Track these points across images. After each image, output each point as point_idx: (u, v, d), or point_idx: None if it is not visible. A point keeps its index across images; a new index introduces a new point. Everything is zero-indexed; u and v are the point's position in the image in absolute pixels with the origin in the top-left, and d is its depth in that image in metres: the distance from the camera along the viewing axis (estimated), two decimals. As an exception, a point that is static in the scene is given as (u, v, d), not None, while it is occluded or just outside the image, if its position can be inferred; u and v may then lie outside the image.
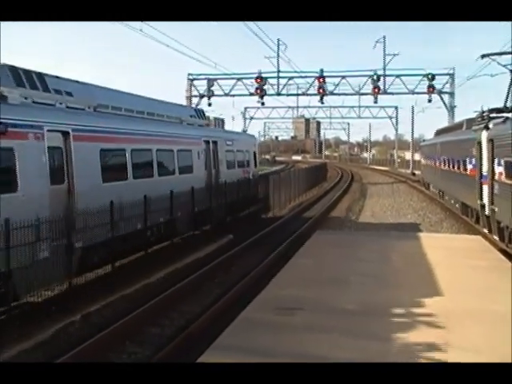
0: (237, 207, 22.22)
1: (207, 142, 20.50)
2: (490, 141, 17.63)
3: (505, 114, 18.58)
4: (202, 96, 48.10)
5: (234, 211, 21.97)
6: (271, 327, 7.44)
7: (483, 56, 21.67)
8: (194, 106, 49.42)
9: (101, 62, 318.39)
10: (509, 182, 15.14)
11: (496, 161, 16.83)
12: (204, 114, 23.74)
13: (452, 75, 46.65)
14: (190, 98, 48.74)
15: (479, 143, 19.30)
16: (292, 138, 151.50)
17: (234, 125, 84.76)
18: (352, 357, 6.21)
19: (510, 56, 19.95)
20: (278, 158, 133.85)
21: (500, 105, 20.28)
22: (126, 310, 10.68)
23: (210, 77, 47.22)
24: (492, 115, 19.63)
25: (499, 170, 16.37)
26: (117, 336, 9.42)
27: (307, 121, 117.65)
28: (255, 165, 26.91)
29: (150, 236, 15.26)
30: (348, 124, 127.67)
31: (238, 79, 47.14)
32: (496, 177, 16.80)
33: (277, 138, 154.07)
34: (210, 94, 47.41)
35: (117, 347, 9.21)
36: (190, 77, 47.85)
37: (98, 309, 11.05)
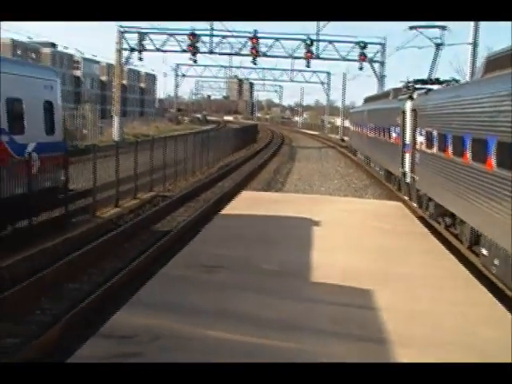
0: None
1: None
2: (413, 111, 18.16)
3: (428, 86, 19.17)
4: (132, 49, 46.91)
5: None
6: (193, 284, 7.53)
7: (411, 28, 22.13)
8: (124, 60, 48.31)
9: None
10: (428, 151, 15.71)
11: (418, 130, 17.39)
12: None
13: (383, 45, 47.50)
14: (120, 51, 47.44)
15: (403, 112, 19.84)
16: (224, 97, 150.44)
17: (166, 82, 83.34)
18: (270, 315, 6.46)
19: (436, 29, 20.43)
20: (209, 118, 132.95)
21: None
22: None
23: (142, 30, 46.08)
24: (417, 86, 20.21)
25: (420, 139, 16.93)
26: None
27: (240, 81, 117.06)
28: (51, 128, 14.05)
29: None
30: (280, 87, 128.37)
31: (171, 34, 46.20)
32: (417, 146, 17.39)
33: (209, 96, 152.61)
34: (141, 49, 46.32)
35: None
36: (121, 29, 46.45)
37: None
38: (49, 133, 13.95)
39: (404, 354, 5.47)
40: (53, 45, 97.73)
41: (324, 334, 6.04)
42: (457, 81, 19.56)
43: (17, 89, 12.63)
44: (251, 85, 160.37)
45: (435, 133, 14.84)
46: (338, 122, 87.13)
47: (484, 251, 10.99)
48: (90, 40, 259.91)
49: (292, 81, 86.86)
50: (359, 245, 10.17)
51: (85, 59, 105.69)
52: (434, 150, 14.87)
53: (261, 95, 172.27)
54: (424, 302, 7.15)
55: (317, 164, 35.53)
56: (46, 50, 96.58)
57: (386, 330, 6.10)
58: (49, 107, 14.05)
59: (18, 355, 6.98)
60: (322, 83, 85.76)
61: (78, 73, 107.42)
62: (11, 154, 12.12)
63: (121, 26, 46.46)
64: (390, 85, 56.42)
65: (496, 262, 10.19)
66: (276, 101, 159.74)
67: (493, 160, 9.98)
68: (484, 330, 6.18)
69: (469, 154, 11.55)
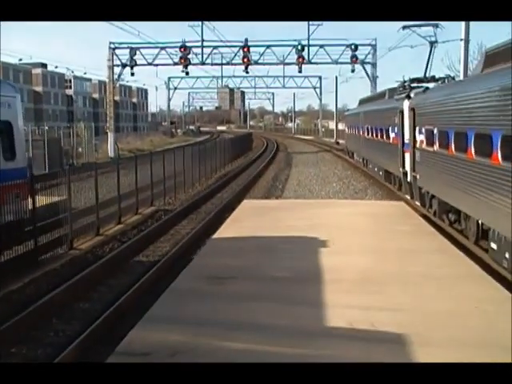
0: None
1: None
2: (412, 110, 18.09)
3: (425, 84, 19.12)
4: (124, 65, 46.92)
5: None
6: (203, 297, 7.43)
7: (404, 27, 22.13)
8: (116, 76, 48.31)
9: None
10: (430, 149, 15.63)
11: (417, 129, 17.31)
12: None
13: (374, 46, 47.60)
14: (111, 67, 47.43)
15: (401, 112, 19.78)
16: (216, 108, 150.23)
17: (158, 95, 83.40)
18: (286, 323, 6.36)
19: (430, 28, 20.43)
20: (202, 129, 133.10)
21: (420, 75, 20.91)
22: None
23: (133, 46, 46.10)
24: (413, 85, 20.16)
25: (420, 137, 16.85)
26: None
27: (231, 91, 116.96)
28: (10, 153, 12.23)
29: None
30: (273, 94, 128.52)
31: (162, 48, 46.24)
32: (417, 144, 17.31)
33: (201, 108, 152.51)
34: (133, 64, 46.33)
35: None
36: (112, 45, 46.49)
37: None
38: (8, 158, 12.04)
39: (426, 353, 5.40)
40: (43, 65, 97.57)
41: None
42: (452, 77, 19.52)
43: None
44: (242, 93, 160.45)
45: (436, 130, 14.77)
46: (332, 125, 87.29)
47: (493, 245, 10.90)
48: (82, 58, 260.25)
49: (284, 87, 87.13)
50: (369, 247, 10.08)
51: (76, 77, 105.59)
52: (436, 147, 14.80)
53: (253, 103, 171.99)
54: (446, 302, 7.07)
55: (314, 168, 35.45)
56: (37, 71, 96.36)
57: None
58: (6, 129, 12.06)
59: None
60: (314, 88, 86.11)
61: (70, 91, 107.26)
62: None
63: (111, 43, 46.50)
64: (382, 86, 56.55)
65: (507, 255, 10.10)
66: (268, 108, 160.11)
67: (499, 154, 9.91)
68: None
69: (473, 150, 11.47)
